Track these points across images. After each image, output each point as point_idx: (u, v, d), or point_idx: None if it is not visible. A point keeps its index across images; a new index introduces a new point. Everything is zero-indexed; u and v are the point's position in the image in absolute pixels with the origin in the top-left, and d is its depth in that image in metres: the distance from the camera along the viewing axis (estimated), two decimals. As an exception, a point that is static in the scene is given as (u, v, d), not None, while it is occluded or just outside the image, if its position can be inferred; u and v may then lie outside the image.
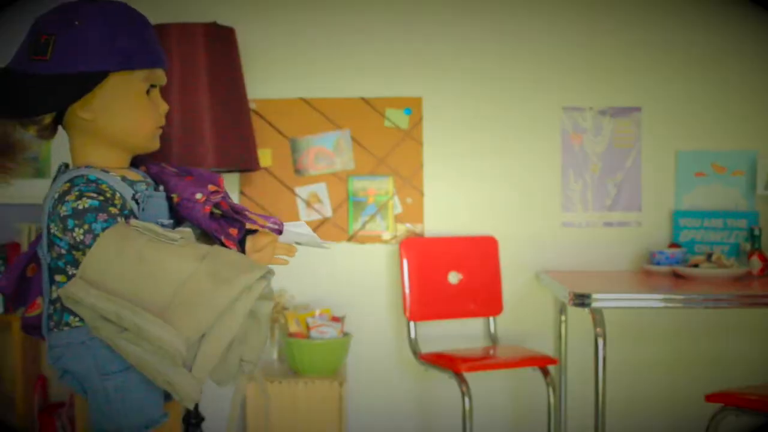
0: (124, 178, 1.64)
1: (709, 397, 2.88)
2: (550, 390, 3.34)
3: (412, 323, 3.50)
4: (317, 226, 3.64)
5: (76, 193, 1.55)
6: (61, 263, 1.62)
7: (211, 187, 1.66)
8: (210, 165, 3.14)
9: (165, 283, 1.45)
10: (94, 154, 1.66)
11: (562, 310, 3.58)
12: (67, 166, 1.70)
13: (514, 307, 3.64)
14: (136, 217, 1.60)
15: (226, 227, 1.64)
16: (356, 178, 3.63)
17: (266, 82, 3.63)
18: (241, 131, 3.22)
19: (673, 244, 3.56)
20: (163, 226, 1.61)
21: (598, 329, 2.84)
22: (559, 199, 3.65)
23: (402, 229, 3.64)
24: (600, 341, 2.83)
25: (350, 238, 3.64)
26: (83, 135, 1.66)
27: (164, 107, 1.71)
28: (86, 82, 1.58)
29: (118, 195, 1.59)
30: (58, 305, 1.63)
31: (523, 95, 3.66)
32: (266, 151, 3.62)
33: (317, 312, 3.43)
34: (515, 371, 3.60)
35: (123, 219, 1.56)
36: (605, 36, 3.65)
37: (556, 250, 3.65)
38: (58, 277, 1.63)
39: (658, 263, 3.44)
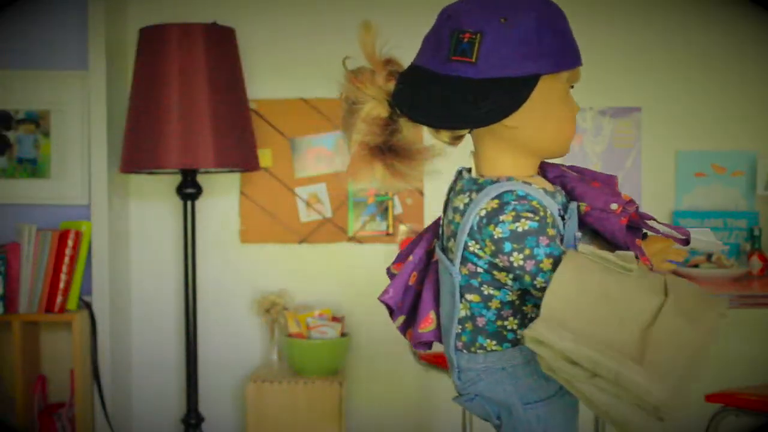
0: (545, 191, 1.48)
1: (709, 397, 2.88)
2: (550, 390, 3.34)
3: (412, 323, 3.50)
4: (317, 227, 3.64)
5: (512, 213, 1.40)
6: (474, 282, 1.48)
7: (625, 197, 1.50)
8: (210, 165, 3.15)
9: (632, 323, 1.30)
10: (510, 164, 1.50)
11: (562, 310, 3.57)
12: (469, 171, 1.56)
13: (514, 308, 3.64)
14: (561, 235, 1.46)
15: (634, 239, 1.50)
16: (356, 178, 3.63)
17: (266, 82, 3.63)
18: (241, 131, 3.22)
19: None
20: (576, 239, 1.48)
21: (598, 329, 2.84)
22: (559, 200, 3.65)
23: (402, 229, 3.64)
24: (600, 341, 2.83)
25: (350, 239, 3.64)
26: (499, 142, 1.49)
27: (577, 108, 1.53)
28: (522, 89, 1.41)
29: (549, 212, 1.44)
30: (468, 325, 1.52)
31: (523, 95, 3.65)
32: (266, 152, 3.61)
33: (317, 312, 3.43)
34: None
35: (559, 241, 1.43)
36: (605, 36, 3.65)
37: (556, 250, 3.65)
38: (470, 296, 1.50)
39: (658, 263, 3.43)
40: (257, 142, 3.43)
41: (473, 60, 1.41)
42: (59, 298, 3.22)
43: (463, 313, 1.52)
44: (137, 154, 3.18)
